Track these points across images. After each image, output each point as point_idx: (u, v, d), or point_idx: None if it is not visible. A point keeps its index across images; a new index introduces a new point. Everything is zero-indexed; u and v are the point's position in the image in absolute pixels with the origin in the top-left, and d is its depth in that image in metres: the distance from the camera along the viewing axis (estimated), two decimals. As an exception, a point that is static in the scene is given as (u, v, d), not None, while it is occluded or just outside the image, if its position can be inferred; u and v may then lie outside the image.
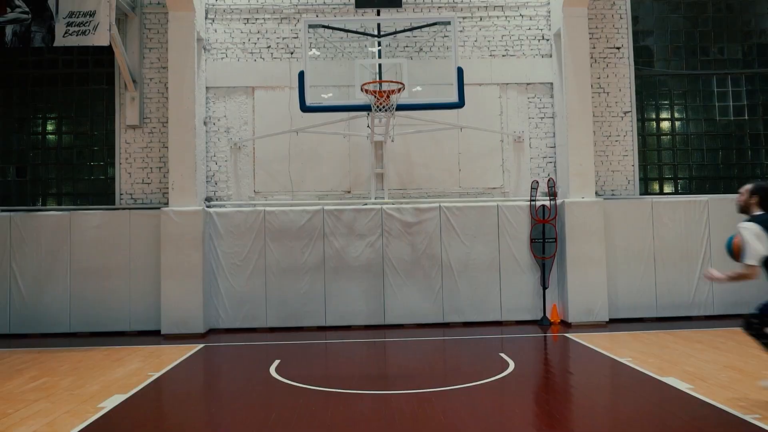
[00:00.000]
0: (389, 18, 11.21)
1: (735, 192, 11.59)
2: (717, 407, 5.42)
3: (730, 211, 11.03)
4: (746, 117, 11.89)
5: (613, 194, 11.53)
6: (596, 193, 11.27)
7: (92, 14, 9.86)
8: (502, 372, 7.08)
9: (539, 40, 11.68)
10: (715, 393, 5.86)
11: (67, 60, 11.52)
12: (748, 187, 5.45)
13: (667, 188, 11.85)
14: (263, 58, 11.51)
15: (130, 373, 7.42)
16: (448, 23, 9.74)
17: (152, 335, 10.39)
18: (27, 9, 9.79)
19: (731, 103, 11.88)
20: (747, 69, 11.92)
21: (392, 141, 10.92)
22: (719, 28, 11.94)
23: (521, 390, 6.41)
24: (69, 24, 9.85)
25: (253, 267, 10.79)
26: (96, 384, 6.85)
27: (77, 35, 9.86)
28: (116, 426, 5.36)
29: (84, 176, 11.46)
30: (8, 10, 9.76)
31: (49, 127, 11.55)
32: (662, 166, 11.86)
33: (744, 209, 5.46)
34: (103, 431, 5.21)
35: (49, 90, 11.49)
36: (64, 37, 9.84)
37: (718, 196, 11.35)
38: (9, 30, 9.77)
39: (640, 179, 11.71)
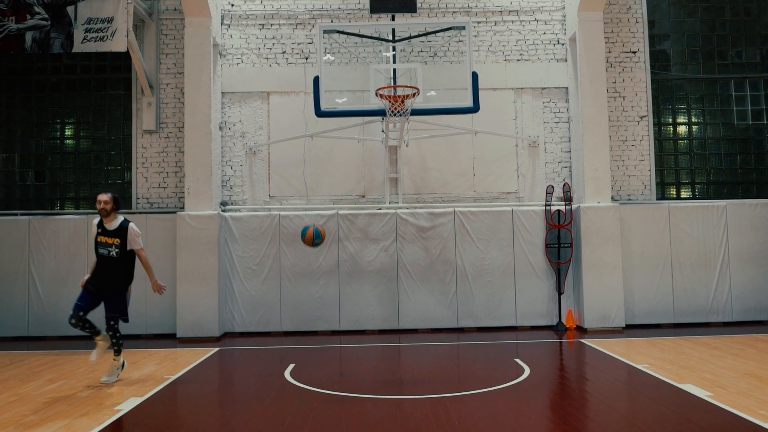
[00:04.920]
0: (404, 23, 11.24)
1: (753, 197, 11.61)
2: (736, 415, 5.34)
3: (749, 216, 11.01)
4: (765, 121, 11.76)
5: (629, 199, 11.44)
6: (612, 197, 11.20)
7: (110, 21, 9.99)
8: (518, 377, 7.03)
9: (554, 44, 11.64)
10: (735, 400, 5.78)
11: (85, 66, 11.67)
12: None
13: (684, 193, 11.74)
14: (278, 64, 11.57)
15: (146, 376, 7.47)
16: (463, 28, 9.73)
17: (168, 338, 10.46)
18: (46, 16, 9.94)
19: (749, 107, 11.76)
20: (765, 73, 11.79)
21: (407, 145, 10.92)
22: (737, 32, 11.84)
23: (537, 396, 6.37)
24: (87, 30, 9.98)
25: (268, 271, 10.84)
26: (112, 386, 6.90)
27: (95, 41, 9.99)
28: (132, 429, 5.39)
29: (101, 180, 11.58)
30: (28, 16, 9.92)
31: (67, 132, 11.69)
32: (679, 171, 11.76)
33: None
34: (119, 434, 5.24)
35: (67, 95, 11.63)
36: (82, 43, 9.97)
37: (737, 200, 11.23)
38: (29, 36, 9.92)
39: (657, 184, 11.61)
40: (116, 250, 6.86)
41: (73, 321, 6.86)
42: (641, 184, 11.50)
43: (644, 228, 10.98)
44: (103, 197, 6.82)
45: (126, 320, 7.05)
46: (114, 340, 7.07)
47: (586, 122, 10.82)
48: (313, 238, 7.66)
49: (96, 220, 6.97)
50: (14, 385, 6.89)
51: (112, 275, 6.92)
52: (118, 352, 7.18)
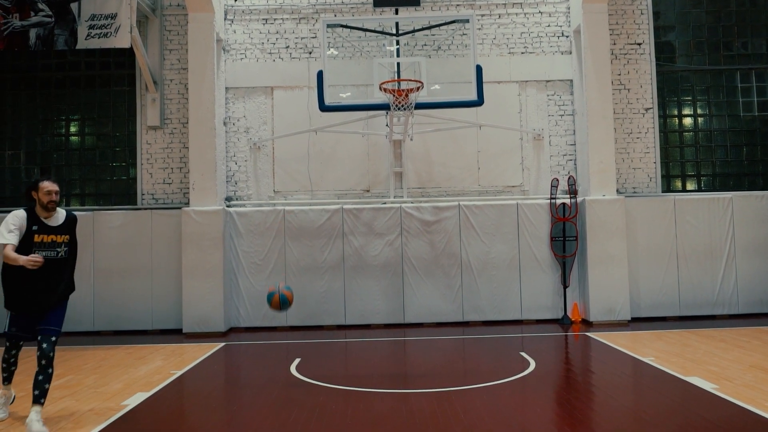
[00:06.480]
0: (407, 17, 11.19)
1: (760, 189, 11.53)
2: (742, 407, 5.34)
3: (755, 208, 10.95)
4: (771, 112, 11.70)
5: (634, 192, 11.40)
6: (617, 190, 11.16)
7: (113, 17, 9.98)
8: (523, 371, 7.04)
9: (559, 36, 11.58)
10: (741, 393, 5.77)
11: (89, 62, 11.68)
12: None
13: (690, 185, 11.69)
14: (282, 58, 11.56)
15: (152, 371, 7.50)
16: (467, 21, 9.69)
17: (174, 334, 10.50)
18: (50, 12, 9.94)
19: (755, 99, 11.69)
20: (772, 64, 11.72)
21: (411, 140, 10.90)
22: (743, 23, 11.75)
23: (542, 389, 6.37)
24: (91, 27, 9.98)
25: (273, 266, 10.85)
26: (119, 382, 6.94)
27: (99, 38, 9.99)
28: (139, 424, 5.42)
29: (106, 177, 11.61)
30: (32, 13, 9.92)
31: (72, 129, 11.71)
32: (685, 163, 11.71)
33: None
34: (126, 429, 5.27)
35: (72, 92, 11.66)
36: (86, 39, 9.98)
37: (743, 192, 11.18)
38: (33, 33, 9.92)
39: (662, 176, 11.57)
40: (65, 249, 5.35)
41: (13, 352, 5.47)
42: (647, 177, 11.46)
43: (650, 221, 10.94)
44: (55, 187, 5.31)
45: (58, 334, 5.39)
46: (50, 371, 5.19)
47: (591, 115, 10.78)
48: (281, 305, 6.59)
49: (17, 216, 5.16)
50: (22, 381, 6.92)
51: (61, 282, 5.33)
52: (8, 381, 5.63)
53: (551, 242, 10.94)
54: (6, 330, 5.33)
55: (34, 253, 5.09)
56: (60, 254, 5.29)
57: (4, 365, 5.49)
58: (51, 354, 5.15)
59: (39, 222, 5.20)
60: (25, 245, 5.10)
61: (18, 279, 5.14)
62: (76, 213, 5.65)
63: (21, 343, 5.42)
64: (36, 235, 5.16)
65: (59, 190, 5.35)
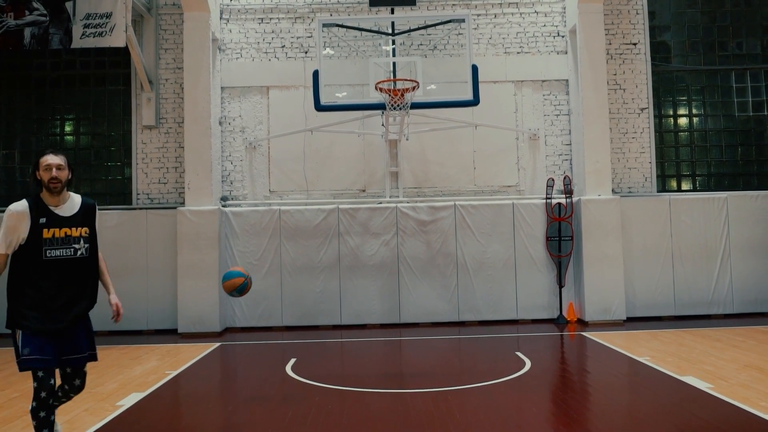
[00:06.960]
0: (403, 16, 11.19)
1: (754, 188, 11.57)
2: (737, 407, 5.34)
3: (750, 208, 10.99)
4: (766, 112, 11.72)
5: (630, 192, 11.42)
6: (613, 190, 11.18)
7: (108, 16, 9.95)
8: (519, 371, 7.04)
9: (554, 36, 11.59)
10: (736, 392, 5.78)
11: (84, 61, 11.64)
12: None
13: (685, 185, 11.72)
14: (278, 58, 11.54)
15: (147, 371, 7.48)
16: (463, 21, 9.69)
17: (169, 334, 10.48)
18: (45, 11, 9.90)
19: (750, 99, 11.72)
20: (766, 64, 11.74)
21: (407, 139, 10.90)
22: (738, 23, 11.78)
23: (538, 389, 6.37)
24: (86, 26, 9.94)
25: (269, 266, 10.84)
26: (114, 382, 6.91)
27: (94, 37, 9.95)
28: (134, 424, 5.40)
29: (101, 176, 11.57)
30: (26, 12, 9.89)
31: (67, 128, 11.67)
32: (680, 163, 11.73)
33: None
34: (121, 429, 5.25)
35: (66, 91, 11.62)
36: (81, 38, 9.94)
37: (738, 192, 11.21)
38: (27, 32, 9.88)
39: (658, 176, 11.59)
40: (85, 246, 4.14)
41: (53, 397, 4.03)
42: (642, 177, 11.48)
43: (645, 220, 10.96)
44: (57, 159, 4.08)
45: (95, 357, 4.30)
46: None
47: (587, 115, 10.79)
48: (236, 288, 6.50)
49: (20, 206, 3.98)
50: (17, 381, 6.90)
51: (85, 288, 4.16)
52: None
53: (547, 242, 10.95)
54: (24, 357, 3.90)
55: (45, 251, 3.96)
56: (79, 252, 4.07)
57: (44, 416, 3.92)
58: (83, 388, 4.30)
59: (47, 212, 4.02)
60: (33, 243, 3.95)
61: (30, 287, 3.96)
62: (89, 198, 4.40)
63: (52, 381, 3.96)
64: (45, 230, 3.97)
65: (64, 165, 4.09)
